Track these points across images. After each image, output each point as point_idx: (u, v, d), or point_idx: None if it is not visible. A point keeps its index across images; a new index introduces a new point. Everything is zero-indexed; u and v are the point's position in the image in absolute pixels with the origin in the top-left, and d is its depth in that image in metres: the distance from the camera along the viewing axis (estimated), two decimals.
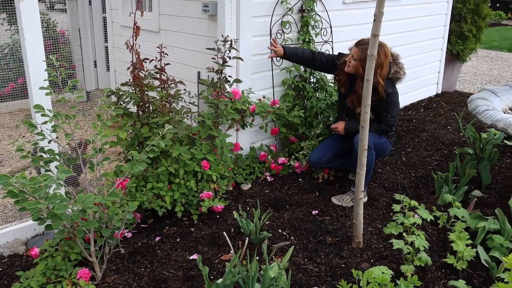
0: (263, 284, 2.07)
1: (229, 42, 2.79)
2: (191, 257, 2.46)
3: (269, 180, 3.36)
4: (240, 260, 2.37)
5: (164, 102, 2.59)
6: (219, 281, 2.07)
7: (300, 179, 3.38)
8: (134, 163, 2.20)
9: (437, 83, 5.46)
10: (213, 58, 2.85)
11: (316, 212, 2.96)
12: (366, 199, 3.12)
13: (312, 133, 3.49)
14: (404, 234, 2.63)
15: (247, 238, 2.41)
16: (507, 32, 11.69)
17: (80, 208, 1.80)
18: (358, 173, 2.49)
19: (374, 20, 2.24)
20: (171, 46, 3.80)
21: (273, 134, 3.50)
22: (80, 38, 5.08)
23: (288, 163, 3.42)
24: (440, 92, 5.59)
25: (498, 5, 13.79)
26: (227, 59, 2.83)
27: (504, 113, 3.19)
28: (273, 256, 2.48)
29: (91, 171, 2.19)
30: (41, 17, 4.82)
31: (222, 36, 2.92)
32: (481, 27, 5.39)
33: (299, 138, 3.57)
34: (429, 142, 4.08)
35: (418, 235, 2.64)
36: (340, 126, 3.17)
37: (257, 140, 3.55)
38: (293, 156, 3.46)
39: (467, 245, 2.56)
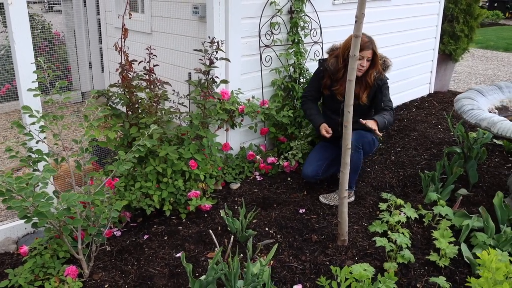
0: (245, 281, 2.11)
1: (216, 44, 2.84)
2: (177, 255, 2.51)
3: (258, 179, 3.40)
4: (226, 257, 2.42)
5: (151, 102, 2.64)
6: (202, 277, 2.11)
7: (289, 178, 3.42)
8: (120, 163, 2.25)
9: (430, 83, 5.50)
10: (200, 60, 2.89)
11: (303, 210, 3.00)
12: (353, 198, 3.16)
13: (302, 133, 3.53)
14: (389, 232, 2.67)
15: (233, 236, 2.45)
16: (504, 32, 11.71)
17: (65, 206, 1.85)
18: (342, 172, 2.53)
19: (356, 21, 2.28)
20: (163, 48, 3.85)
21: (263, 134, 3.55)
22: (75, 40, 5.14)
23: (277, 163, 3.46)
24: (433, 92, 5.63)
25: (496, 4, 13.81)
26: (214, 60, 2.88)
27: (490, 112, 3.24)
28: (259, 254, 2.52)
29: (78, 170, 2.24)
30: (36, 19, 4.87)
31: (209, 37, 2.97)
32: (473, 27, 5.43)
33: (289, 138, 3.62)
34: (419, 142, 4.12)
35: (402, 233, 2.68)
36: (373, 124, 2.90)
37: (247, 140, 3.60)
38: (282, 156, 3.50)
39: (450, 243, 2.60)
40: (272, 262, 2.49)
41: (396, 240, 2.50)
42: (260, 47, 3.42)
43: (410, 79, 5.18)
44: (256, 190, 3.26)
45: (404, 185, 3.40)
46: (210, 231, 2.53)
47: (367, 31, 4.38)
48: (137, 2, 4.19)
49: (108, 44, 4.70)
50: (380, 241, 2.47)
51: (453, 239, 2.61)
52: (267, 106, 3.43)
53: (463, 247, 2.62)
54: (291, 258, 2.54)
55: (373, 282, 2.16)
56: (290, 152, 3.47)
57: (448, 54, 5.50)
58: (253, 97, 3.45)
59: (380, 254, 2.57)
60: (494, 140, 4.08)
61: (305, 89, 3.35)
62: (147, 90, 2.68)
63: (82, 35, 5.09)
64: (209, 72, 2.88)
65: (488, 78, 7.21)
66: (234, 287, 2.06)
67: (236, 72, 3.34)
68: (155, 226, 2.79)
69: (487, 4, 13.93)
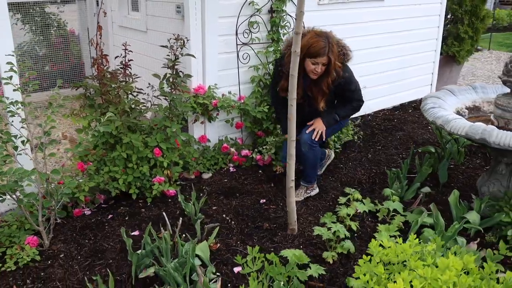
0: (179, 257, 2.29)
1: (181, 41, 3.04)
2: (132, 233, 2.72)
3: (231, 171, 3.57)
4: (175, 237, 2.61)
5: (117, 93, 2.88)
6: (139, 251, 2.32)
7: (260, 171, 3.57)
8: (78, 146, 2.50)
9: (431, 84, 5.44)
10: (168, 55, 3.10)
11: (264, 201, 3.14)
12: (317, 190, 3.25)
13: (278, 130, 3.66)
14: (332, 223, 2.76)
15: (181, 219, 2.64)
16: None
17: (13, 179, 2.10)
18: (288, 163, 2.66)
19: (296, 19, 2.41)
20: (156, 45, 4.09)
21: (238, 128, 3.71)
22: (88, 37, 5.51)
23: (251, 156, 3.62)
24: None
25: None
26: (179, 56, 3.08)
27: (459, 111, 3.24)
28: (208, 236, 2.69)
29: (40, 151, 2.50)
30: (52, 17, 5.25)
31: (174, 35, 3.17)
32: (478, 29, 5.33)
33: (266, 133, 3.76)
34: (402, 141, 4.14)
35: (348, 224, 2.76)
36: (318, 124, 3.08)
37: (226, 134, 3.77)
38: (256, 150, 3.65)
39: (394, 237, 2.65)
40: (218, 245, 2.66)
41: (335, 231, 2.59)
42: (237, 45, 3.58)
43: (408, 80, 5.17)
44: (225, 180, 3.43)
45: (373, 182, 3.45)
46: (164, 213, 2.73)
47: (358, 31, 4.48)
48: (137, 1, 4.47)
49: (113, 41, 5.02)
50: (318, 230, 2.57)
51: (397, 233, 2.67)
52: (242, 101, 3.59)
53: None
54: (238, 243, 2.70)
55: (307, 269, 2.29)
56: (264, 147, 3.62)
57: (451, 55, 5.43)
58: (229, 92, 3.63)
59: (324, 244, 2.67)
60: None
61: (272, 89, 3.25)
62: (116, 82, 2.92)
63: (95, 32, 5.45)
64: (174, 67, 3.08)
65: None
66: (167, 259, 2.25)
67: (213, 68, 3.53)
68: (121, 207, 3.03)
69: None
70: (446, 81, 5.66)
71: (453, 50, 5.36)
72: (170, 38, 3.12)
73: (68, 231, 2.76)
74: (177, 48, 3.05)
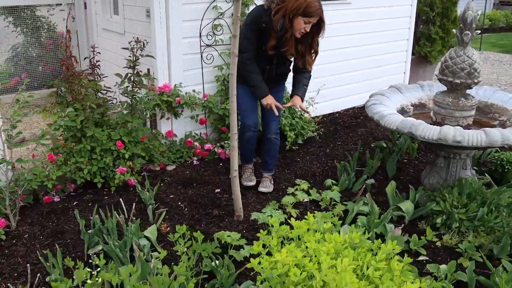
0: (125, 235, 2.57)
1: (141, 43, 3.32)
2: (91, 218, 3.01)
3: (194, 163, 3.84)
4: (128, 221, 2.88)
5: (79, 91, 3.17)
6: (90, 231, 2.60)
7: (221, 164, 3.83)
8: (41, 137, 2.80)
9: None
10: (129, 56, 3.39)
11: (219, 190, 3.40)
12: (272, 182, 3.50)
13: None
14: (272, 210, 3.01)
15: (134, 204, 2.91)
16: None
17: None
18: (231, 154, 2.92)
19: (233, 23, 2.66)
20: None
21: (202, 124, 3.98)
22: (77, 39, 5.83)
23: (213, 150, 3.88)
24: None
25: None
26: (139, 57, 3.36)
27: (404, 108, 3.46)
28: (162, 222, 2.96)
29: (7, 143, 2.80)
30: (42, 20, 5.58)
31: (133, 38, 3.45)
32: (449, 30, 5.51)
33: (229, 128, 4.01)
34: (362, 137, 4.36)
35: (289, 211, 3.01)
36: (298, 101, 3.12)
37: (193, 129, 4.04)
38: (218, 144, 3.91)
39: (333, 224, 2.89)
40: (169, 229, 2.93)
41: (271, 216, 2.84)
42: (201, 46, 3.85)
43: (380, 79, 5.37)
44: (187, 172, 3.70)
45: (326, 174, 3.69)
46: (121, 199, 3.01)
47: (327, 32, 4.69)
48: (116, 4, 4.76)
49: (98, 43, 5.32)
50: (255, 215, 2.82)
51: (336, 219, 2.91)
52: (206, 99, 3.86)
53: (344, 228, 2.91)
54: (188, 227, 2.96)
55: None
56: (226, 141, 3.88)
57: (424, 56, 5.62)
58: (193, 91, 3.90)
59: (265, 229, 2.91)
60: None
61: (244, 47, 2.96)
62: (79, 81, 3.21)
63: (83, 34, 5.77)
64: (135, 67, 3.36)
65: (489, 82, 7.14)
66: (113, 238, 2.52)
67: (178, 68, 3.80)
68: (87, 195, 3.32)
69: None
70: (419, 81, 5.83)
71: (425, 51, 5.56)
72: (131, 41, 3.39)
73: (35, 215, 3.05)
74: (137, 50, 3.32)
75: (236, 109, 2.83)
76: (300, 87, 3.21)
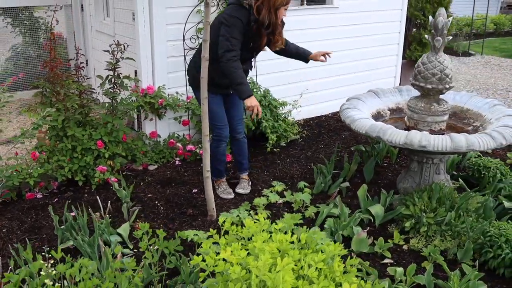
0: (95, 232, 2.66)
1: (121, 46, 3.42)
2: (72, 214, 3.11)
3: (176, 164, 3.93)
4: (103, 216, 2.98)
5: (58, 91, 3.28)
6: (63, 226, 2.71)
7: (202, 165, 3.90)
8: (21, 136, 2.91)
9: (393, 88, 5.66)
10: (110, 59, 3.49)
11: (196, 190, 3.48)
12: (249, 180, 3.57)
13: None
14: (244, 211, 3.08)
15: (110, 202, 3.01)
16: None
17: None
18: (204, 157, 3.00)
19: (204, 28, 2.74)
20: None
21: (185, 125, 4.07)
22: (74, 40, 5.97)
23: (195, 151, 3.96)
24: None
25: None
26: (120, 59, 3.46)
27: (380, 113, 3.50)
28: (137, 220, 3.06)
29: None
30: (40, 21, 5.74)
31: (114, 41, 3.56)
32: None
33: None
34: (345, 141, 4.41)
35: (261, 213, 3.08)
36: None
37: (176, 131, 4.13)
38: (200, 145, 3.99)
39: (297, 224, 2.95)
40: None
41: (239, 216, 2.92)
42: (184, 49, 3.94)
43: (370, 83, 5.39)
44: (168, 172, 3.79)
45: (305, 176, 3.75)
46: (98, 197, 3.11)
47: (311, 36, 4.77)
48: (108, 7, 4.88)
49: (92, 44, 5.45)
50: (224, 216, 2.89)
51: (301, 221, 2.97)
52: (189, 101, 3.95)
53: (314, 229, 2.97)
54: (161, 225, 3.05)
55: None
56: None
57: (414, 60, 5.64)
58: (177, 92, 3.99)
59: None
60: None
61: (233, 46, 2.88)
62: (60, 82, 3.32)
63: (80, 36, 5.91)
64: (115, 69, 3.46)
65: (486, 86, 7.11)
66: (84, 234, 2.62)
67: (162, 70, 3.90)
68: (68, 192, 3.43)
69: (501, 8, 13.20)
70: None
71: (416, 55, 5.58)
72: (112, 44, 3.50)
73: (16, 210, 3.17)
74: (117, 53, 3.42)
75: (210, 120, 2.91)
76: (302, 48, 3.34)
